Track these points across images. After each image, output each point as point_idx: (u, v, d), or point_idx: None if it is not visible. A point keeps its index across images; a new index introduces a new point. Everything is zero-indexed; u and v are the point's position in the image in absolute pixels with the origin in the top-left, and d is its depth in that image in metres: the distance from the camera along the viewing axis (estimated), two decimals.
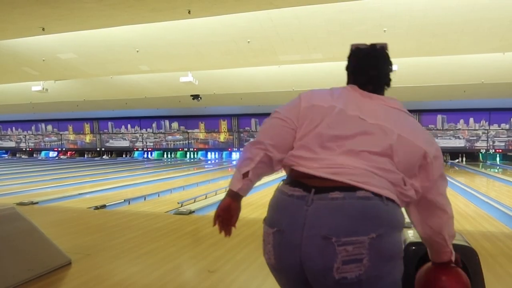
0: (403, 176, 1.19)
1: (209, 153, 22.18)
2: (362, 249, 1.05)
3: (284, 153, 1.31)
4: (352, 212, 1.08)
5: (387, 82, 1.43)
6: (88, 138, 24.14)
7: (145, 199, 7.29)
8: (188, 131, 22.04)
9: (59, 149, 24.89)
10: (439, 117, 18.19)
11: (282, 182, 1.30)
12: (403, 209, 1.28)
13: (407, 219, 1.33)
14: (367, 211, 1.09)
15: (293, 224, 1.13)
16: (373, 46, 1.54)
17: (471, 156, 18.34)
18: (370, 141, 1.19)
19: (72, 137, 24.50)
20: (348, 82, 1.45)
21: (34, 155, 25.58)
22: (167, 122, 22.36)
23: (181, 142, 22.26)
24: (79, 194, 8.03)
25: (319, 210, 1.10)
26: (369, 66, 1.42)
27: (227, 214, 1.41)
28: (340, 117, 1.26)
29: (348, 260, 1.05)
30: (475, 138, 17.90)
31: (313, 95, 1.43)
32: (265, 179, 6.67)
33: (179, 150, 22.43)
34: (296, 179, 1.21)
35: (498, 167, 15.59)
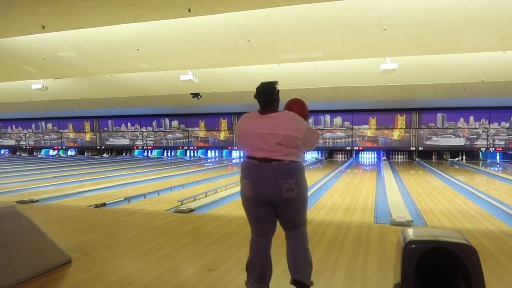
0: (294, 149, 2.44)
1: (209, 151, 22.19)
2: (292, 185, 2.37)
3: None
4: (283, 170, 2.40)
5: (273, 102, 2.62)
6: (88, 136, 24.15)
7: (145, 197, 7.29)
8: (188, 129, 22.04)
9: (59, 147, 24.90)
10: (439, 115, 18.19)
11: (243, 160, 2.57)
12: None
13: None
14: (289, 168, 2.40)
15: (255, 177, 2.42)
16: (262, 84, 2.70)
17: (471, 154, 18.35)
18: (269, 139, 2.46)
19: (72, 135, 24.50)
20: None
21: (34, 153, 25.59)
22: (167, 120, 22.36)
23: (181, 140, 22.27)
24: (79, 192, 8.03)
25: (269, 170, 2.39)
26: (263, 98, 2.64)
27: None
28: (254, 136, 2.50)
29: (288, 190, 2.37)
30: (475, 136, 17.90)
31: (240, 125, 2.64)
32: None
33: (179, 149, 22.44)
34: (249, 157, 2.49)
35: (498, 166, 15.59)
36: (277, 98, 2.60)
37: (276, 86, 2.62)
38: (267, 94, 2.59)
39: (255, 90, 2.63)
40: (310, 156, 19.38)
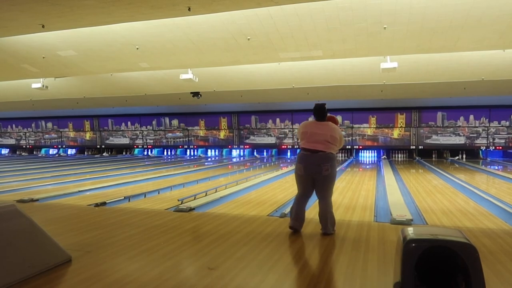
0: (334, 145, 4.10)
1: (209, 150, 22.19)
2: (328, 167, 3.98)
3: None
4: (322, 157, 4.01)
5: (325, 116, 4.28)
6: (88, 135, 24.15)
7: (145, 196, 7.30)
8: (188, 128, 22.04)
9: (59, 146, 24.91)
10: (439, 114, 18.19)
11: (300, 151, 4.19)
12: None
13: None
14: (328, 156, 4.02)
15: (308, 162, 4.04)
16: (318, 104, 4.33)
17: (471, 153, 18.35)
18: (320, 137, 4.07)
19: (72, 134, 24.50)
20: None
21: (34, 153, 25.60)
22: (167, 119, 22.36)
23: (181, 139, 22.27)
24: (79, 191, 8.04)
25: (314, 156, 4.02)
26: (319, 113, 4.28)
27: None
28: (311, 134, 4.14)
29: (326, 170, 3.97)
30: (475, 135, 17.90)
31: (303, 126, 4.26)
32: (261, 179, 6.80)
33: (179, 147, 22.44)
34: (304, 148, 4.11)
35: (498, 164, 15.59)
36: (326, 113, 4.32)
37: (325, 106, 4.37)
38: (322, 111, 4.29)
39: (314, 108, 4.32)
40: None
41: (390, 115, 18.76)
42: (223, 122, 21.38)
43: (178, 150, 22.59)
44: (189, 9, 6.62)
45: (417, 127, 18.52)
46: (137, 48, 9.35)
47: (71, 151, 24.93)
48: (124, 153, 23.67)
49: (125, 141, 23.42)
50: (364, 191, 8.06)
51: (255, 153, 21.23)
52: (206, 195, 7.07)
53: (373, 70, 11.01)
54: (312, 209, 6.14)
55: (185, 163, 16.70)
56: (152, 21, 7.77)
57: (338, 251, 3.57)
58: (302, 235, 4.07)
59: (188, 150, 22.35)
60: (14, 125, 25.77)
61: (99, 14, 6.99)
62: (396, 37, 8.14)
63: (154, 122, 22.59)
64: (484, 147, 17.90)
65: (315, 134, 4.06)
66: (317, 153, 3.96)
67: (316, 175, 3.96)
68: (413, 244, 1.93)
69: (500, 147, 17.77)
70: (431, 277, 1.98)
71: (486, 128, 17.79)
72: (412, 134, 18.55)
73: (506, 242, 3.83)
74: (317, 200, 4.15)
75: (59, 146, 24.93)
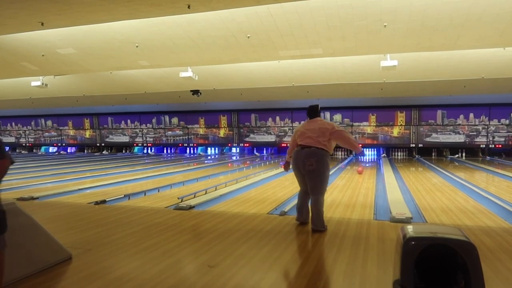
0: (325, 141, 4.17)
1: (209, 148, 22.19)
2: (313, 162, 4.07)
3: (296, 143, 4.42)
4: (309, 152, 4.13)
5: (316, 114, 4.43)
6: (88, 133, 24.15)
7: (145, 194, 7.30)
8: (188, 126, 22.03)
9: (59, 144, 24.90)
10: (439, 112, 18.18)
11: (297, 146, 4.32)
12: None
13: None
14: (313, 151, 4.10)
15: (296, 157, 4.26)
16: (310, 105, 4.48)
17: (471, 151, 18.36)
18: (310, 132, 4.23)
19: (72, 132, 24.49)
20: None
21: (34, 151, 25.60)
22: (167, 117, 22.35)
23: (181, 137, 22.27)
24: (79, 189, 8.04)
25: (304, 151, 4.17)
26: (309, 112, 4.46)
27: (287, 167, 4.77)
28: (302, 132, 4.34)
29: (309, 164, 4.08)
30: (475, 133, 17.90)
31: (298, 127, 4.45)
32: (261, 177, 6.85)
33: (179, 146, 22.44)
34: (298, 145, 4.29)
35: (498, 163, 15.60)
36: (318, 112, 4.46)
37: (318, 106, 4.48)
38: (313, 110, 4.42)
39: (308, 109, 4.47)
40: None
41: (390, 113, 18.75)
42: (223, 120, 21.37)
43: (178, 148, 22.60)
44: (188, 7, 6.60)
45: (417, 125, 18.52)
46: (137, 46, 9.34)
47: (70, 149, 24.92)
48: (124, 151, 23.67)
49: (125, 139, 23.41)
50: (363, 189, 8.07)
51: (254, 151, 21.24)
52: (206, 193, 7.08)
53: (373, 68, 11.00)
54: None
55: (185, 161, 16.70)
56: (152, 19, 7.75)
57: (338, 249, 3.58)
58: (302, 233, 4.08)
59: (188, 148, 22.35)
60: (13, 123, 25.75)
61: (99, 12, 6.97)
62: (396, 35, 8.13)
63: (154, 120, 22.58)
64: (484, 145, 17.90)
65: (306, 131, 4.24)
66: (305, 148, 4.13)
67: (302, 170, 4.13)
68: (413, 242, 1.93)
69: (500, 145, 17.78)
70: (430, 275, 1.98)
71: (486, 126, 17.79)
72: (412, 132, 18.55)
73: (506, 240, 3.84)
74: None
75: (59, 144, 24.92)
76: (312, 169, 4.02)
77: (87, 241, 3.83)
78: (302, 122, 4.53)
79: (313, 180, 4.11)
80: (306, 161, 4.02)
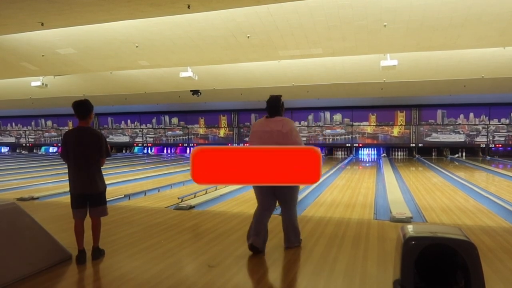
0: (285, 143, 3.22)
1: None
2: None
3: None
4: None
5: (278, 110, 3.48)
6: None
7: (145, 195, 7.30)
8: (188, 126, 22.03)
9: (59, 144, 24.88)
10: (439, 112, 18.17)
11: None
12: None
13: None
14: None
15: None
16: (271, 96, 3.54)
17: (471, 151, 18.35)
18: (269, 136, 3.33)
19: None
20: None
21: (34, 151, 25.59)
22: (167, 117, 22.35)
23: (181, 137, 22.27)
24: None
25: None
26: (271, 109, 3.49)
27: None
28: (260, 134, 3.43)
29: None
30: (475, 133, 17.89)
31: (253, 125, 3.52)
32: None
33: (179, 146, 22.44)
34: None
35: (497, 162, 15.60)
36: (281, 107, 3.54)
37: (280, 98, 3.56)
38: (275, 104, 3.52)
39: (267, 102, 3.53)
40: None
41: (390, 113, 18.75)
42: (223, 120, 21.37)
43: (178, 148, 22.60)
44: (188, 7, 6.60)
45: (417, 125, 18.51)
46: (137, 46, 9.33)
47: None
48: (124, 151, 23.67)
49: (125, 139, 23.41)
50: (364, 189, 8.07)
51: None
52: (206, 193, 7.08)
53: (373, 68, 10.99)
54: (313, 206, 6.15)
55: (185, 161, 16.70)
56: (152, 19, 7.75)
57: (338, 248, 3.58)
58: (302, 233, 4.07)
59: (188, 148, 22.35)
60: (13, 123, 25.75)
61: (98, 12, 6.97)
62: (396, 35, 8.12)
63: (154, 120, 22.58)
64: (484, 145, 17.89)
65: (264, 134, 3.37)
66: None
67: None
68: (413, 242, 1.93)
69: (500, 145, 17.78)
70: (430, 275, 1.98)
71: (486, 126, 17.78)
72: (412, 132, 18.54)
73: (506, 239, 3.84)
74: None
75: (59, 145, 24.91)
76: None
77: (87, 241, 3.83)
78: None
79: (288, 192, 3.43)
80: None
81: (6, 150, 26.26)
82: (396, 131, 18.76)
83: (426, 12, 7.12)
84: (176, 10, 6.96)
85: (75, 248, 3.49)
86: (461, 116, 18.00)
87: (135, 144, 23.29)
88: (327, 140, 19.44)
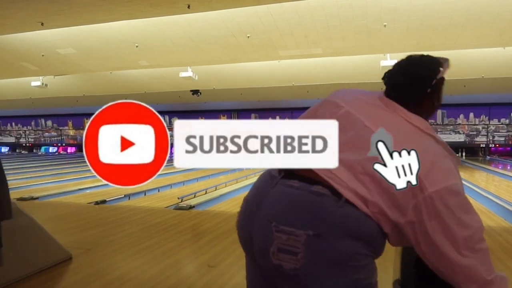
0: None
1: None
2: (297, 243, 1.01)
3: None
4: (297, 204, 1.05)
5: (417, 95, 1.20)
6: None
7: (145, 194, 7.30)
8: None
9: (59, 144, 24.88)
10: (439, 112, 18.17)
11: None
12: None
13: None
14: (312, 206, 1.03)
15: (255, 199, 1.18)
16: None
17: (471, 151, 18.35)
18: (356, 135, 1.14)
19: (72, 132, 24.48)
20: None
21: (34, 151, 25.59)
22: (167, 117, 22.32)
23: None
24: (79, 189, 8.04)
25: (276, 194, 1.10)
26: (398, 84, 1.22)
27: None
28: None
29: (283, 249, 1.03)
30: (475, 133, 17.89)
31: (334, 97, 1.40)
32: None
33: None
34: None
35: (497, 162, 15.60)
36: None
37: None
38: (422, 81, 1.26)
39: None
40: None
41: None
42: (223, 120, 21.37)
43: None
44: (188, 7, 6.60)
45: None
46: (137, 46, 9.33)
47: (70, 149, 24.91)
48: None
49: None
50: None
51: None
52: (206, 193, 7.08)
53: (373, 68, 10.98)
54: None
55: None
56: (152, 18, 7.75)
57: None
58: None
59: None
60: (13, 123, 25.74)
61: (98, 11, 6.97)
62: (396, 35, 8.12)
63: None
64: (484, 145, 17.90)
65: (353, 121, 1.15)
66: (312, 185, 1.07)
67: (257, 253, 1.15)
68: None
69: (498, 145, 17.78)
70: (430, 275, 1.98)
71: (486, 126, 17.78)
72: None
73: (506, 239, 3.83)
74: None
75: (59, 144, 24.91)
76: (290, 267, 1.02)
77: (87, 241, 3.83)
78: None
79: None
80: (276, 231, 1.04)
81: (6, 150, 26.26)
82: None
83: (426, 11, 7.12)
84: (176, 10, 6.96)
85: (75, 247, 3.49)
86: (461, 116, 18.00)
87: None
88: None
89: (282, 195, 1.08)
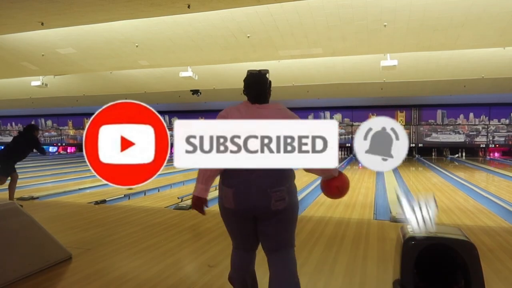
0: None
1: None
2: (283, 193, 1.98)
3: None
4: (272, 175, 1.96)
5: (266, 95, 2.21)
6: None
7: (145, 194, 7.30)
8: None
9: (59, 144, 24.88)
10: (439, 112, 18.18)
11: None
12: None
13: None
14: (280, 174, 1.98)
15: (245, 183, 1.99)
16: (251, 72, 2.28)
17: (471, 151, 18.36)
18: None
19: (72, 132, 24.48)
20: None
21: (34, 150, 25.59)
22: (166, 117, 22.33)
23: None
24: (80, 189, 8.04)
25: (258, 175, 1.95)
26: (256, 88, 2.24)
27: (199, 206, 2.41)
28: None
29: (278, 199, 1.96)
30: (475, 133, 17.90)
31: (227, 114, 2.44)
32: None
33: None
34: None
35: (497, 162, 15.60)
36: (268, 88, 2.20)
37: (267, 76, 2.22)
38: (262, 84, 2.21)
39: (247, 79, 2.27)
40: None
41: (390, 112, 18.73)
42: None
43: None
44: (188, 7, 6.60)
45: (417, 125, 18.51)
46: (137, 46, 9.33)
47: (70, 149, 24.90)
48: None
49: None
50: (363, 189, 8.07)
51: None
52: None
53: (373, 68, 10.99)
54: (313, 206, 6.14)
55: None
56: (152, 18, 7.75)
57: (338, 248, 3.58)
58: (302, 233, 4.07)
59: None
60: (13, 123, 25.74)
61: (98, 11, 6.97)
62: (396, 35, 8.12)
63: None
64: (484, 145, 17.90)
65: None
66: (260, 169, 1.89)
67: (258, 211, 2.00)
68: (413, 242, 1.93)
69: (498, 145, 17.79)
70: (430, 275, 1.98)
71: (486, 126, 17.78)
72: (412, 132, 18.54)
73: (506, 240, 3.83)
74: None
75: (59, 144, 24.90)
76: (283, 206, 1.98)
77: (87, 241, 3.83)
78: (232, 107, 2.45)
79: (281, 226, 2.04)
80: (272, 193, 1.95)
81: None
82: None
83: (426, 12, 7.12)
84: (176, 10, 6.96)
85: (75, 247, 3.49)
86: (461, 116, 18.01)
87: None
88: None
89: (259, 175, 1.96)
